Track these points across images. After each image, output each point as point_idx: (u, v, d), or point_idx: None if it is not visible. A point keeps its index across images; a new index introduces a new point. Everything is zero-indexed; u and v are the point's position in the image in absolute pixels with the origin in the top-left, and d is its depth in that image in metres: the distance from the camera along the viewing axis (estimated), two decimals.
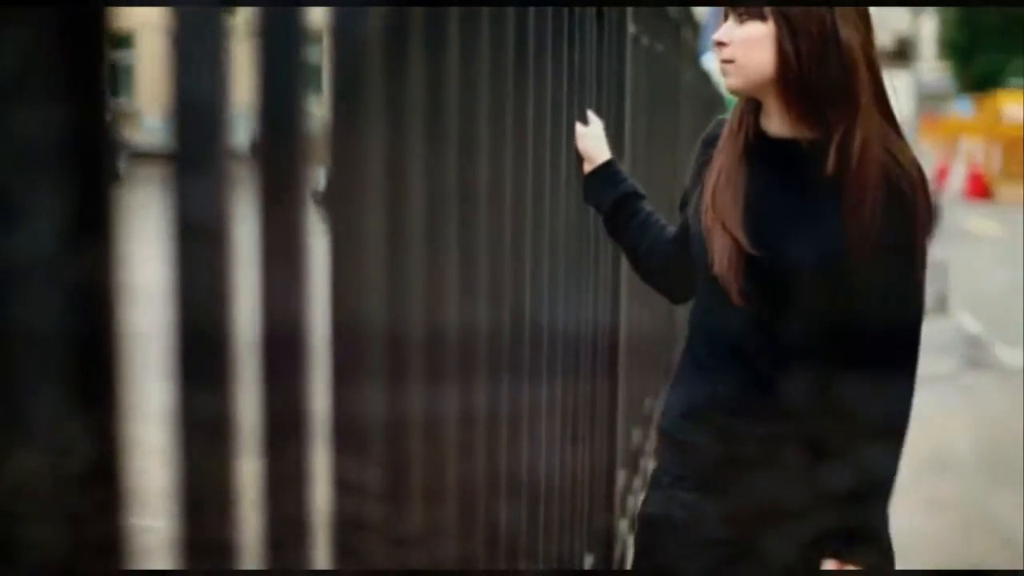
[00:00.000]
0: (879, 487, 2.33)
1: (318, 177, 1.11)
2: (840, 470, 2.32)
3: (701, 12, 6.70)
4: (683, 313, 2.67)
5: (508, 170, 1.89)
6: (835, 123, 2.30)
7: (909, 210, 2.29)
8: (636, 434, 4.14)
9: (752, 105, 2.42)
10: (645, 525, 2.56)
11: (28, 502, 0.74)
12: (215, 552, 0.92)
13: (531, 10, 2.02)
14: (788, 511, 2.35)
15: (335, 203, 1.19)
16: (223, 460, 0.92)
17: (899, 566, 2.42)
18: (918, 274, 2.33)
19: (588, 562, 2.92)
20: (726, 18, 2.39)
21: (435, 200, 1.47)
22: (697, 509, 2.45)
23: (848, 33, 2.29)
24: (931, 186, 2.42)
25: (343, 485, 1.20)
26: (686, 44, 5.76)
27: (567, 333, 2.49)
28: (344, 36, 1.19)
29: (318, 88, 1.14)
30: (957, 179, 31.55)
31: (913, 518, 5.53)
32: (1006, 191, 30.31)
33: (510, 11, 1.86)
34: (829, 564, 2.30)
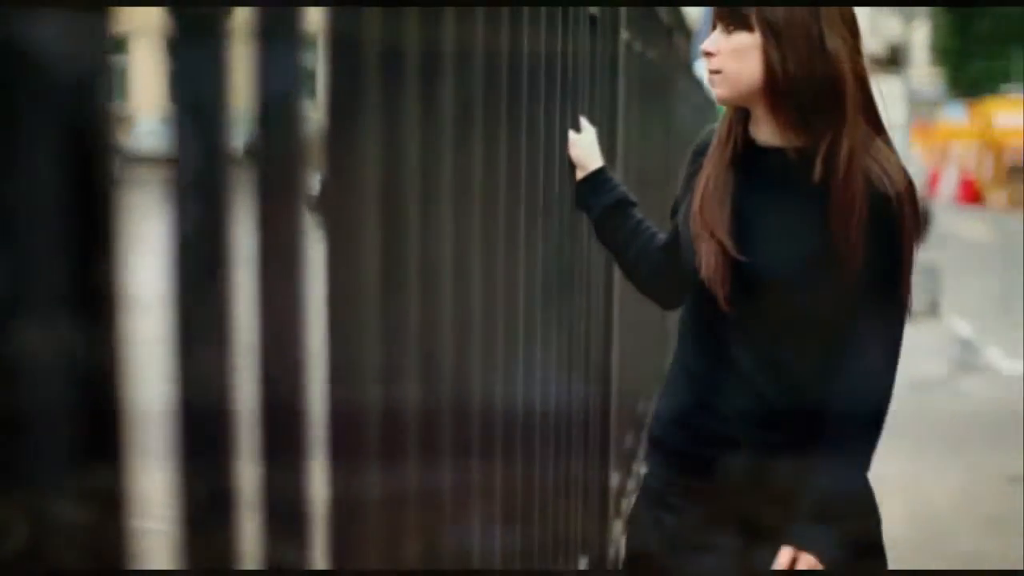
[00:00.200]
0: (844, 481, 2.35)
1: (313, 182, 1.12)
2: (811, 467, 2.33)
3: (694, 18, 6.72)
4: (675, 317, 2.69)
5: (502, 174, 1.91)
6: (822, 132, 2.32)
7: (895, 218, 2.31)
8: (629, 438, 4.16)
9: (741, 114, 2.43)
10: (635, 530, 2.58)
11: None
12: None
13: (525, 15, 2.03)
14: (776, 516, 2.36)
15: (330, 207, 1.20)
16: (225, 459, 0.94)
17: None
18: (903, 282, 2.35)
19: (583, 564, 2.93)
20: (714, 27, 2.40)
21: (429, 202, 1.48)
22: (685, 515, 2.46)
23: (835, 43, 2.31)
24: (921, 193, 2.44)
25: (341, 462, 1.22)
26: (678, 50, 5.78)
27: (560, 337, 2.50)
28: (340, 41, 1.20)
29: (314, 92, 1.15)
30: (949, 185, 31.59)
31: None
32: (997, 196, 30.35)
33: (504, 17, 1.87)
34: (784, 553, 2.31)
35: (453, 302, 1.59)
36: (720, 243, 2.37)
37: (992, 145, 31.94)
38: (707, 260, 2.38)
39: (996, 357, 10.43)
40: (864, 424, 2.36)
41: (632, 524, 2.60)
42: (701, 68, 2.48)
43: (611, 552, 3.45)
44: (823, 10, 2.32)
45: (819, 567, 2.29)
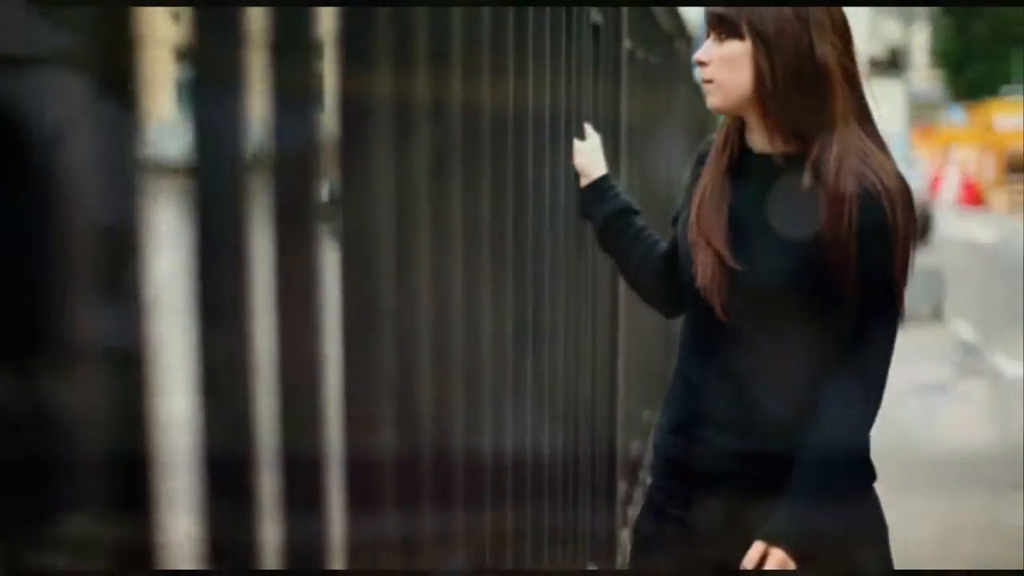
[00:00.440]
0: (824, 479, 2.34)
1: (326, 189, 1.13)
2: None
3: (694, 25, 6.73)
4: (679, 324, 2.69)
5: (510, 183, 1.91)
6: (812, 138, 2.32)
7: (888, 224, 2.29)
8: (635, 446, 4.16)
9: (737, 122, 2.43)
10: (638, 540, 2.59)
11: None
12: None
13: (531, 25, 2.04)
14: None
15: (343, 214, 1.21)
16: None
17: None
18: (897, 287, 2.34)
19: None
20: (709, 36, 2.41)
21: (439, 210, 1.49)
22: (687, 526, 2.47)
23: (824, 49, 2.30)
24: (922, 197, 2.43)
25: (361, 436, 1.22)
26: (679, 57, 5.79)
27: (567, 346, 2.51)
28: (350, 49, 1.20)
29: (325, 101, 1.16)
30: (950, 187, 31.60)
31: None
32: (999, 199, 30.35)
33: (510, 27, 1.88)
34: (755, 547, 2.31)
35: (464, 313, 1.59)
36: (716, 252, 2.37)
37: (993, 147, 31.96)
38: (703, 269, 2.38)
39: (999, 361, 10.42)
40: (853, 427, 2.36)
41: (635, 534, 2.61)
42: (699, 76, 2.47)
43: (619, 560, 3.45)
44: (813, 17, 2.31)
45: (790, 565, 2.29)
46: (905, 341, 2.55)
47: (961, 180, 32.26)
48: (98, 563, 0.78)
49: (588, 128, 2.71)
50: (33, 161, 0.75)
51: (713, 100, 2.41)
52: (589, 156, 2.70)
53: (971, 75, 39.43)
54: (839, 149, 2.30)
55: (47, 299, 0.76)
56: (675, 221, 2.58)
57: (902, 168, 2.42)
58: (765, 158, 2.39)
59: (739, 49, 2.34)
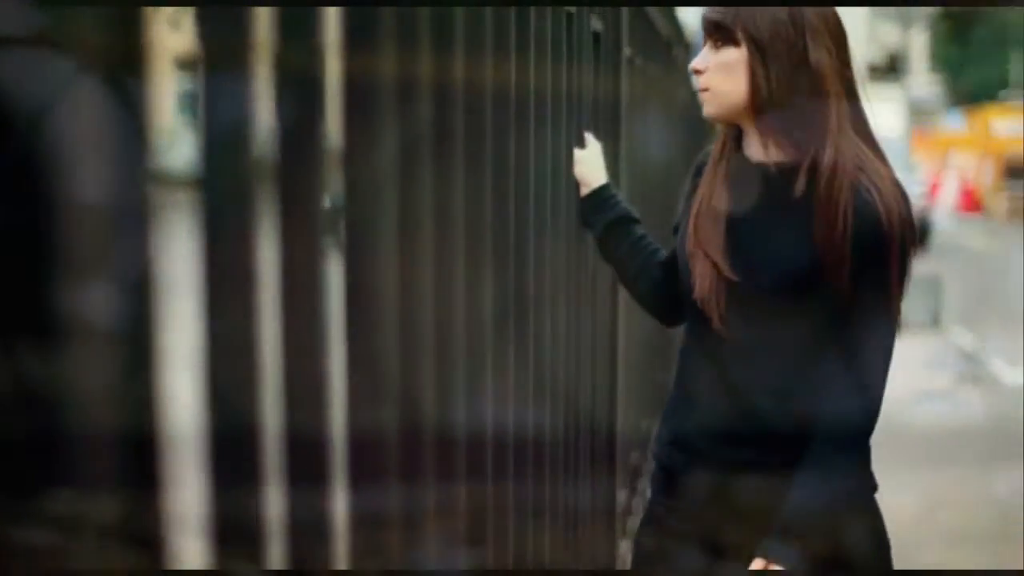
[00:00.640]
0: (821, 495, 2.33)
1: (329, 197, 1.13)
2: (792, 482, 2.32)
3: (692, 31, 6.73)
4: (679, 334, 2.69)
5: (511, 191, 1.92)
6: (807, 146, 2.30)
7: (882, 231, 2.27)
8: (634, 456, 4.16)
9: (734, 131, 2.43)
10: (638, 552, 2.59)
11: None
12: None
13: (532, 35, 2.04)
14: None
15: (347, 222, 1.21)
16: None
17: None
18: (893, 296, 2.32)
19: None
20: (705, 44, 2.40)
21: (442, 215, 1.49)
22: (687, 538, 2.46)
23: (818, 55, 2.30)
24: (921, 203, 2.41)
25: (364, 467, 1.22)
26: (678, 64, 5.79)
27: (567, 355, 2.50)
28: (355, 56, 1.20)
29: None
30: (949, 193, 31.63)
31: None
32: (998, 205, 30.38)
33: (512, 38, 1.88)
34: (755, 564, 2.30)
35: (466, 320, 1.60)
36: (714, 263, 2.37)
37: (991, 152, 32.01)
38: (701, 281, 2.38)
39: (998, 368, 10.43)
40: (850, 439, 2.36)
41: (636, 546, 2.61)
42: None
43: (619, 569, 3.45)
44: (808, 23, 2.30)
45: None
46: (903, 349, 2.54)
47: (959, 186, 32.29)
48: (101, 542, 0.79)
49: (589, 137, 2.71)
50: (38, 153, 0.76)
51: (709, 109, 2.40)
52: (589, 165, 2.69)
53: (969, 80, 39.52)
54: (834, 156, 2.28)
55: (54, 280, 0.76)
56: (676, 230, 2.58)
57: (901, 174, 2.41)
58: (761, 167, 2.38)
59: (735, 56, 2.33)
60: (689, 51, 6.34)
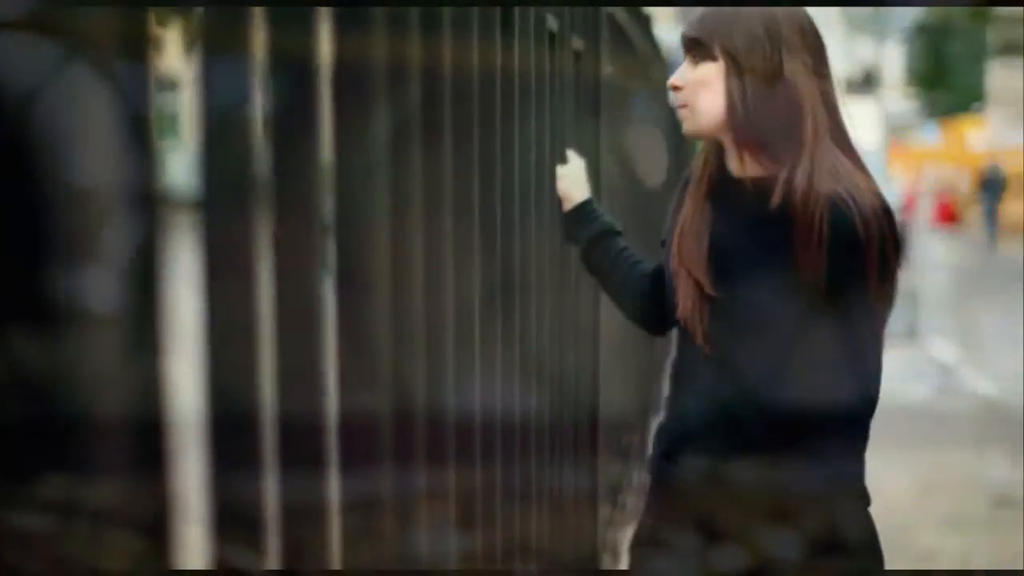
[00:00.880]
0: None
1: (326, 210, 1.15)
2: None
3: (669, 48, 6.76)
4: (661, 347, 2.71)
5: (497, 207, 1.94)
6: (783, 160, 2.30)
7: (858, 244, 2.26)
8: (615, 469, 4.18)
9: (716, 147, 2.42)
10: (632, 564, 2.59)
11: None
12: None
13: (516, 55, 2.07)
14: (768, 551, 2.36)
15: (341, 234, 1.23)
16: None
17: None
18: (874, 309, 2.32)
19: None
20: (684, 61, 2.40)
21: (432, 227, 1.51)
22: (678, 551, 2.47)
23: (794, 67, 2.30)
24: (897, 217, 2.38)
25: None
26: (655, 82, 5.82)
27: (551, 370, 2.52)
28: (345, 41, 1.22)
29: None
30: (925, 207, 31.70)
31: None
32: (974, 217, 30.46)
33: (498, 59, 1.91)
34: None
35: (456, 330, 1.61)
36: (696, 281, 2.37)
37: (967, 165, 32.08)
38: (684, 300, 2.38)
39: (973, 380, 10.47)
40: (843, 448, 2.36)
41: (630, 559, 2.60)
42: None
43: None
44: (784, 35, 2.31)
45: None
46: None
47: (936, 199, 32.36)
48: (102, 527, 0.80)
49: (571, 153, 2.73)
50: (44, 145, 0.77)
51: (688, 125, 2.40)
52: (572, 181, 2.71)
53: (945, 93, 39.59)
54: (809, 168, 2.27)
55: (56, 266, 0.77)
56: (663, 244, 2.57)
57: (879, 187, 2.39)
58: (741, 182, 2.38)
59: (712, 72, 2.33)
60: (665, 70, 6.37)
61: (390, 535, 1.38)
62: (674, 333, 2.52)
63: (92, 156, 0.80)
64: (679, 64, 2.42)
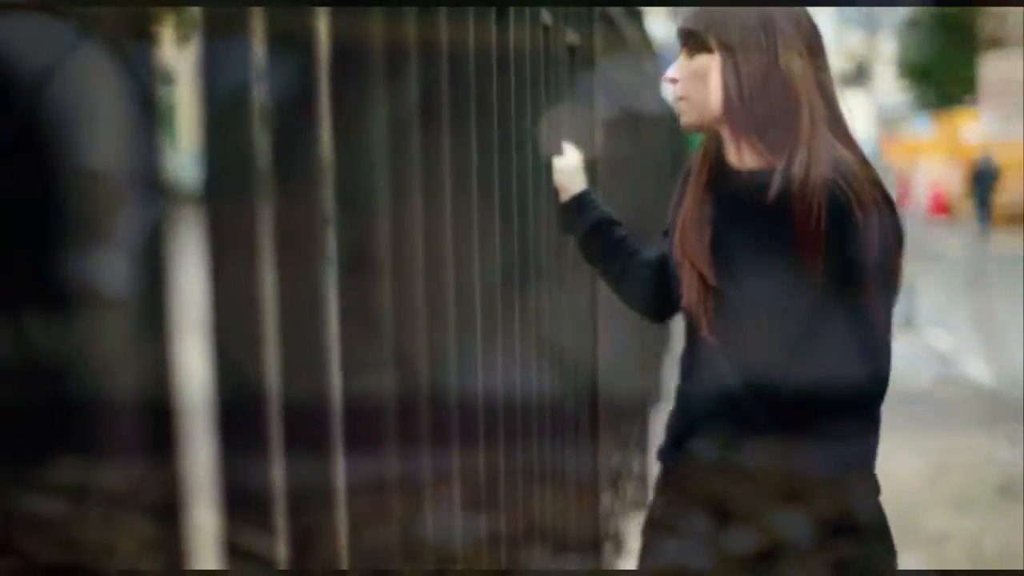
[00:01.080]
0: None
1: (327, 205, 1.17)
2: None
3: (661, 42, 6.79)
4: (659, 334, 2.73)
5: (496, 203, 1.96)
6: (780, 150, 2.31)
7: (857, 232, 2.26)
8: (616, 458, 4.20)
9: (715, 139, 2.43)
10: (643, 554, 2.59)
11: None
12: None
13: (512, 54, 2.09)
14: (777, 543, 2.37)
15: (343, 218, 1.25)
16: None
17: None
18: (876, 298, 2.31)
19: None
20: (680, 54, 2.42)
21: (432, 220, 1.53)
22: (688, 538, 2.48)
23: (789, 58, 2.30)
24: (896, 207, 2.38)
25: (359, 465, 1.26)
26: (648, 77, 5.84)
27: (549, 360, 2.54)
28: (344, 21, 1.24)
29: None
30: (919, 198, 31.69)
31: None
32: (967, 209, 30.45)
33: (493, 59, 1.94)
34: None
35: (457, 323, 1.64)
36: (699, 273, 2.38)
37: (960, 157, 32.06)
38: (688, 291, 2.39)
39: (970, 369, 10.49)
40: (851, 435, 2.38)
41: (641, 546, 2.61)
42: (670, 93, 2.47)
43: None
44: (779, 26, 2.31)
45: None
46: None
47: (929, 191, 32.36)
48: (114, 510, 0.81)
49: (567, 146, 2.74)
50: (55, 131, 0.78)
51: (686, 118, 2.41)
52: (568, 173, 2.72)
53: (937, 85, 39.52)
54: (806, 158, 2.28)
55: (67, 248, 0.80)
56: (665, 234, 2.58)
57: None
58: (739, 174, 2.38)
59: (708, 63, 2.34)
60: (657, 64, 6.39)
61: (394, 517, 1.39)
62: (683, 323, 2.53)
63: (101, 139, 0.81)
64: (670, 56, 2.43)
